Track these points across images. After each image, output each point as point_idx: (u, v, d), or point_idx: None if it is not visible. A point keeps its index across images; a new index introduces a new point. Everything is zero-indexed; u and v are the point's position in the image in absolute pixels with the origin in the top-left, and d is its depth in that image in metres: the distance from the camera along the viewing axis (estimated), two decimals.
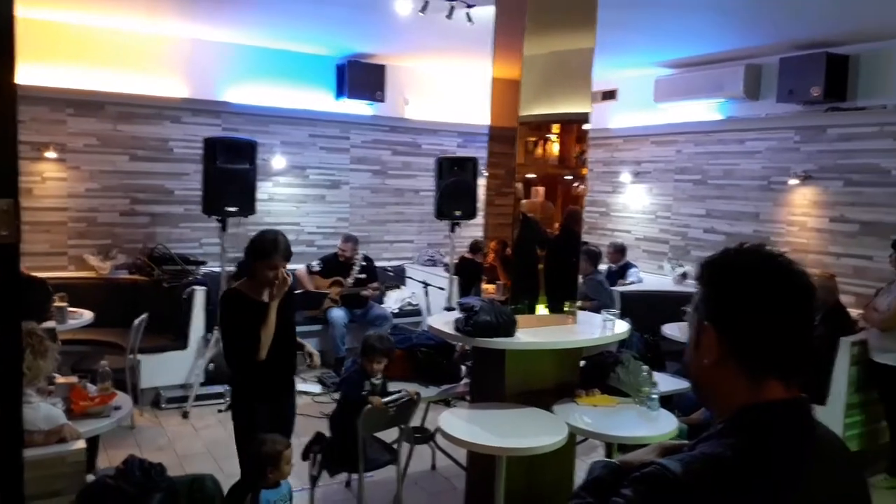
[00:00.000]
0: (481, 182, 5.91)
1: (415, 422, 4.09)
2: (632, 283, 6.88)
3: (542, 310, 3.94)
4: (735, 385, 1.10)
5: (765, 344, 1.08)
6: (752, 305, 1.08)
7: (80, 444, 2.94)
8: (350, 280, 6.71)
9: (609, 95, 8.09)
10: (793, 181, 6.15)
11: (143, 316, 5.14)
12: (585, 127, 4.09)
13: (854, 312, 5.06)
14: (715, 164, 6.93)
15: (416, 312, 7.10)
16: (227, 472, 4.32)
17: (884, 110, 5.52)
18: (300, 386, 5.98)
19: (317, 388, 5.98)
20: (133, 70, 6.37)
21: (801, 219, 6.17)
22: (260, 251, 3.29)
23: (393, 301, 7.09)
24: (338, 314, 6.47)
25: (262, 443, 3.07)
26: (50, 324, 4.46)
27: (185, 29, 6.32)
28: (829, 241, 5.94)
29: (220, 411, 5.41)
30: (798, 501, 1.02)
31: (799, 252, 6.11)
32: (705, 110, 6.97)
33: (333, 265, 6.74)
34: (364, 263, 6.80)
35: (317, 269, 6.72)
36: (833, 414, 4.66)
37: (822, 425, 1.14)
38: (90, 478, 3.07)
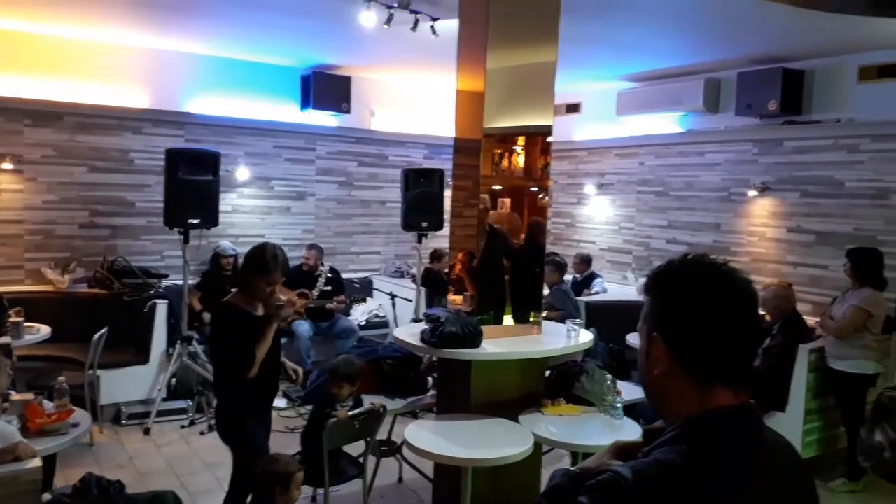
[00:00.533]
0: (448, 193, 5.94)
1: (381, 435, 4.07)
2: (596, 293, 6.96)
3: (508, 320, 3.96)
4: (684, 393, 1.12)
5: (710, 351, 1.10)
6: (696, 314, 1.10)
7: (36, 462, 2.86)
8: (315, 292, 6.66)
9: (573, 108, 8.20)
10: (751, 192, 6.29)
11: (103, 330, 5.03)
12: (549, 139, 4.14)
13: (811, 321, 5.18)
14: (676, 176, 7.06)
15: (384, 324, 7.08)
16: (190, 488, 4.26)
17: (837, 124, 5.68)
18: None
19: (282, 403, 5.90)
20: (92, 80, 6.26)
21: (759, 229, 6.31)
22: (261, 266, 3.19)
23: (359, 313, 7.05)
24: (303, 327, 6.41)
25: (273, 461, 2.95)
26: (5, 339, 4.34)
27: (147, 39, 6.25)
28: (786, 250, 6.09)
29: (182, 427, 5.32)
30: None
31: (758, 261, 6.25)
32: (666, 123, 7.11)
33: (298, 277, 6.68)
34: (330, 275, 6.75)
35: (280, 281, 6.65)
36: (792, 420, 4.76)
37: (771, 431, 1.17)
38: (46, 497, 2.98)
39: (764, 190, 6.21)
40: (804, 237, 5.94)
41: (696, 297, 1.11)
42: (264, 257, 3.19)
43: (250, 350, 3.13)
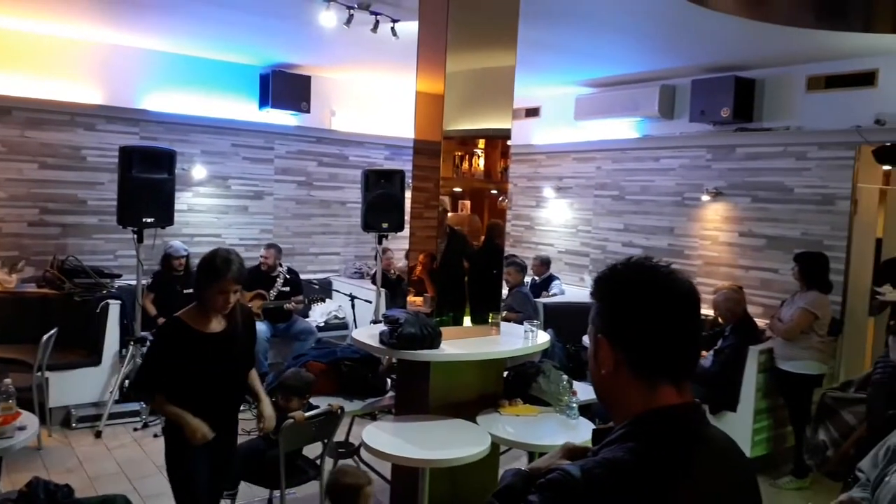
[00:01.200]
0: (408, 195, 5.94)
1: (339, 436, 4.05)
2: (554, 294, 7.04)
3: (467, 322, 3.99)
4: (630, 392, 1.16)
5: (652, 351, 1.14)
6: (637, 316, 1.15)
7: None
8: (273, 293, 6.59)
9: (532, 112, 8.29)
10: (705, 197, 6.44)
11: (53, 331, 4.91)
12: (509, 143, 4.18)
13: (761, 323, 5.33)
14: (632, 181, 7.19)
15: (343, 326, 7.04)
16: (143, 492, 4.19)
17: (787, 131, 5.86)
18: None
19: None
20: (44, 74, 6.10)
21: (712, 233, 6.46)
22: (211, 272, 2.87)
23: (318, 314, 7.00)
24: (260, 328, 6.31)
25: (343, 473, 2.85)
26: None
27: (102, 34, 6.11)
28: (738, 254, 6.25)
29: (135, 429, 5.22)
30: (689, 501, 1.08)
31: (711, 265, 6.41)
32: (623, 129, 7.23)
33: (255, 277, 6.61)
34: (288, 276, 6.69)
35: None
36: (742, 419, 4.89)
37: (715, 429, 1.21)
38: None
39: (717, 195, 6.36)
40: (755, 241, 6.11)
41: (637, 299, 1.15)
42: (214, 262, 2.88)
43: (157, 379, 2.87)
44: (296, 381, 3.68)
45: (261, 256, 6.64)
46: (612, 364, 1.17)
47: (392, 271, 7.12)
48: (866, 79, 5.41)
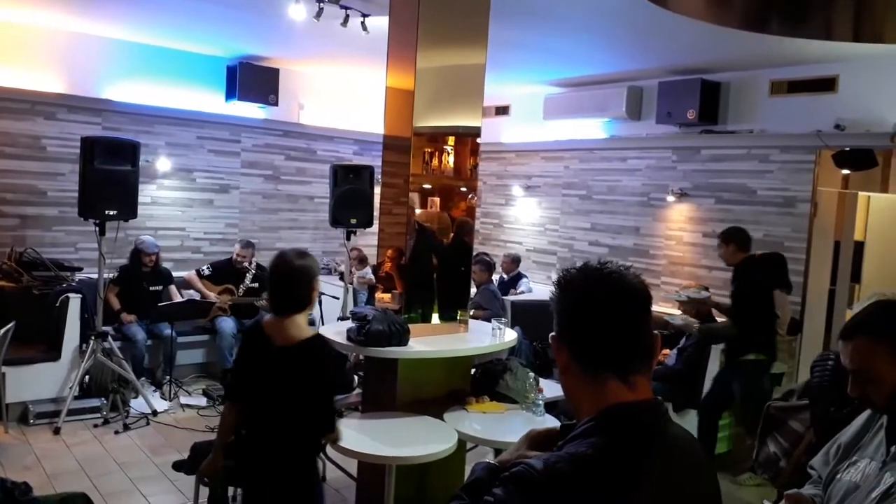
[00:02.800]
0: (377, 190, 5.92)
1: None
2: (522, 292, 7.08)
3: (435, 319, 3.99)
4: (582, 387, 1.20)
5: (592, 342, 1.18)
6: (578, 310, 1.19)
7: None
8: (242, 288, 6.52)
9: (502, 111, 8.32)
10: (670, 198, 6.54)
11: (10, 325, 4.77)
12: (479, 140, 4.19)
13: (722, 321, 5.42)
14: (599, 181, 7.26)
15: (310, 322, 6.97)
16: (103, 490, 4.11)
17: (750, 134, 5.98)
18: (184, 399, 5.76)
19: (202, 402, 5.76)
20: (2, 62, 5.93)
21: (677, 233, 6.56)
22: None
23: None
24: (227, 323, 6.26)
25: None
26: None
27: (64, 21, 5.95)
28: (701, 254, 6.36)
29: (95, 426, 5.11)
30: (649, 496, 1.10)
31: (675, 264, 6.51)
32: (591, 129, 7.30)
33: (225, 272, 6.53)
34: (256, 272, 6.62)
35: (207, 273, 6.48)
36: None
37: (676, 426, 1.23)
38: None
39: (681, 196, 6.46)
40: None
41: (579, 296, 1.20)
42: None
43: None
44: None
45: (237, 255, 6.53)
46: (563, 360, 1.21)
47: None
48: (827, 84, 5.55)
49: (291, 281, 2.65)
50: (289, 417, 2.59)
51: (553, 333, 1.23)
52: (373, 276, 6.73)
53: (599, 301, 1.18)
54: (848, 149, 5.30)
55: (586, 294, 1.19)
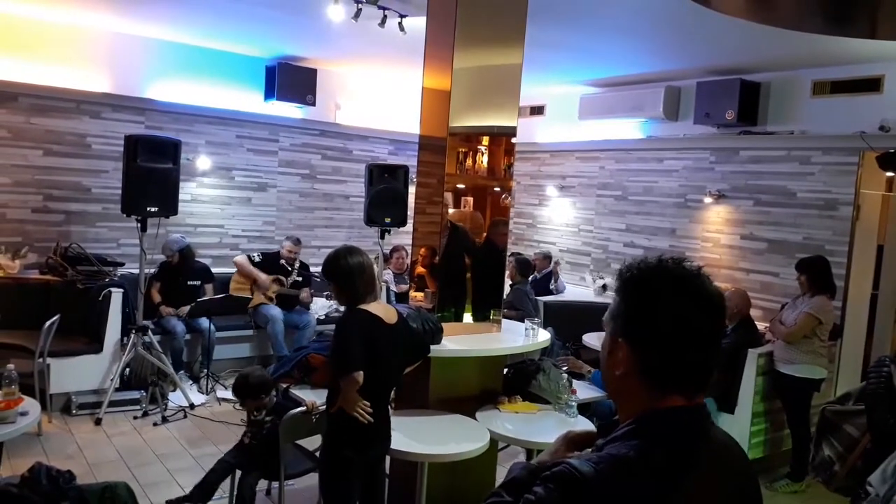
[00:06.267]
0: (412, 190, 5.95)
1: None
2: (556, 289, 7.07)
3: (468, 318, 4.00)
4: (639, 395, 1.16)
5: (669, 364, 1.14)
6: (659, 324, 1.13)
7: None
8: (289, 280, 6.63)
9: (537, 111, 8.29)
10: (707, 199, 6.45)
11: (55, 318, 4.92)
12: (514, 140, 4.19)
13: (761, 326, 5.34)
14: (635, 181, 7.19)
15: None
16: (142, 480, 4.21)
17: (791, 136, 5.86)
18: (221, 393, 5.86)
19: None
20: (50, 61, 6.11)
21: (714, 235, 6.47)
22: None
23: (320, 307, 7.02)
24: (276, 310, 6.37)
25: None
26: None
27: (108, 21, 6.11)
28: (739, 257, 6.26)
29: (135, 418, 5.24)
30: (688, 500, 1.09)
31: (712, 267, 6.41)
32: (627, 129, 7.24)
33: (274, 263, 6.65)
34: (300, 269, 6.75)
35: (257, 259, 6.59)
36: (740, 422, 4.91)
37: (719, 430, 1.22)
38: None
39: (719, 197, 6.37)
40: (756, 244, 6.12)
41: (660, 307, 1.13)
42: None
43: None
44: (251, 379, 3.62)
45: (289, 251, 6.63)
46: (626, 367, 1.16)
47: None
48: (872, 84, 5.42)
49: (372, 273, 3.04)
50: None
51: (616, 333, 1.18)
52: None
53: (679, 313, 1.11)
54: (893, 150, 5.18)
55: (662, 299, 1.12)
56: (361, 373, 2.79)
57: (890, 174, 5.52)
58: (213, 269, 6.57)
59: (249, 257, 6.60)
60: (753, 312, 5.47)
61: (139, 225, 5.43)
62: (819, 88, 5.75)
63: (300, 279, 6.67)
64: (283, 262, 6.65)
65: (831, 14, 3.41)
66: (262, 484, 3.92)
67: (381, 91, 8.03)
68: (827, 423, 4.22)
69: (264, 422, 3.58)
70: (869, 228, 5.68)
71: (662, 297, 1.13)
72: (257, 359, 6.48)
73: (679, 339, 1.12)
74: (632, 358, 1.16)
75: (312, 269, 6.84)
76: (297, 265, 6.71)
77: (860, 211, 5.52)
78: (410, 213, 6.17)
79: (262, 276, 6.47)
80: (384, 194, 6.21)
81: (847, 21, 3.48)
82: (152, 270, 6.03)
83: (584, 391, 4.12)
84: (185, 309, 6.04)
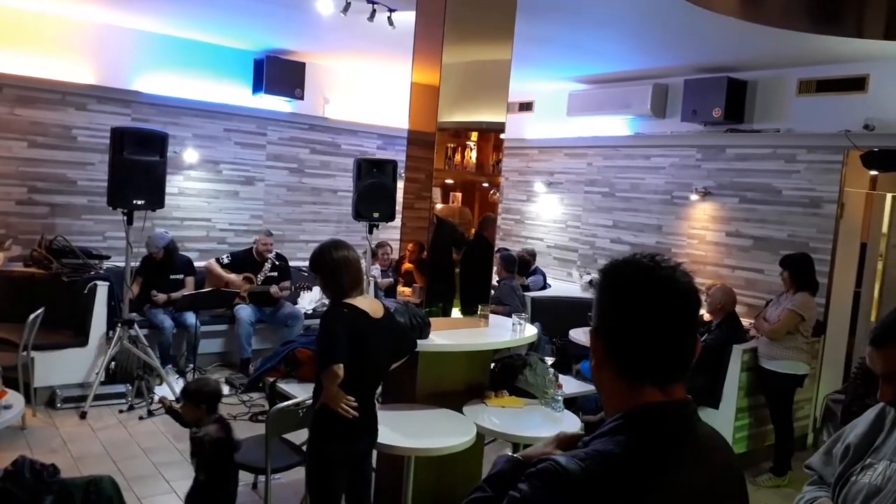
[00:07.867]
0: (400, 185, 5.95)
1: None
2: (527, 286, 7.06)
3: (456, 313, 4.01)
4: (616, 387, 1.18)
5: (637, 353, 1.14)
6: (626, 315, 1.14)
7: None
8: (260, 277, 6.59)
9: (526, 107, 8.30)
10: (693, 196, 6.49)
11: (40, 311, 4.89)
12: (502, 136, 4.20)
13: (746, 322, 5.39)
14: (622, 178, 7.23)
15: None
16: (127, 474, 4.19)
17: (776, 134, 5.91)
18: None
19: (224, 390, 5.83)
20: (36, 52, 6.04)
21: (700, 232, 6.52)
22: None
23: (307, 301, 7.01)
24: (245, 312, 6.32)
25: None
26: None
27: (95, 12, 6.05)
28: (724, 253, 6.31)
29: (121, 412, 5.22)
30: (675, 495, 1.10)
31: (697, 263, 6.46)
32: (615, 125, 7.26)
33: (245, 260, 6.60)
34: (276, 262, 6.69)
35: (226, 262, 6.56)
36: (724, 417, 4.96)
37: (706, 426, 1.22)
38: None
39: (705, 195, 6.41)
40: (742, 241, 6.17)
41: (628, 299, 1.15)
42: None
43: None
44: (194, 385, 3.49)
45: (262, 243, 6.60)
46: (599, 357, 1.18)
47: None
48: (857, 84, 5.47)
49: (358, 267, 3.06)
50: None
51: (592, 326, 1.20)
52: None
53: (645, 303, 1.12)
54: (877, 149, 5.24)
55: (632, 292, 1.14)
56: (341, 366, 2.78)
57: (874, 173, 5.58)
58: (199, 263, 6.53)
59: (218, 260, 6.56)
60: (738, 309, 5.53)
61: (125, 218, 5.40)
62: (805, 87, 5.79)
63: (274, 274, 6.63)
64: (255, 256, 6.61)
65: (818, 13, 3.44)
66: (249, 477, 3.92)
67: (369, 85, 8.01)
68: (828, 411, 4.33)
69: (204, 441, 3.26)
70: (852, 226, 5.74)
71: (630, 288, 1.15)
72: (236, 356, 6.43)
73: (645, 328, 1.13)
74: (603, 349, 1.17)
75: (299, 263, 6.83)
76: (271, 257, 6.66)
77: (844, 209, 5.58)
78: (399, 207, 6.20)
79: (233, 277, 6.44)
80: (372, 189, 6.20)
81: (834, 20, 3.51)
82: (136, 264, 5.98)
83: (571, 386, 4.14)
84: (177, 294, 6.01)
